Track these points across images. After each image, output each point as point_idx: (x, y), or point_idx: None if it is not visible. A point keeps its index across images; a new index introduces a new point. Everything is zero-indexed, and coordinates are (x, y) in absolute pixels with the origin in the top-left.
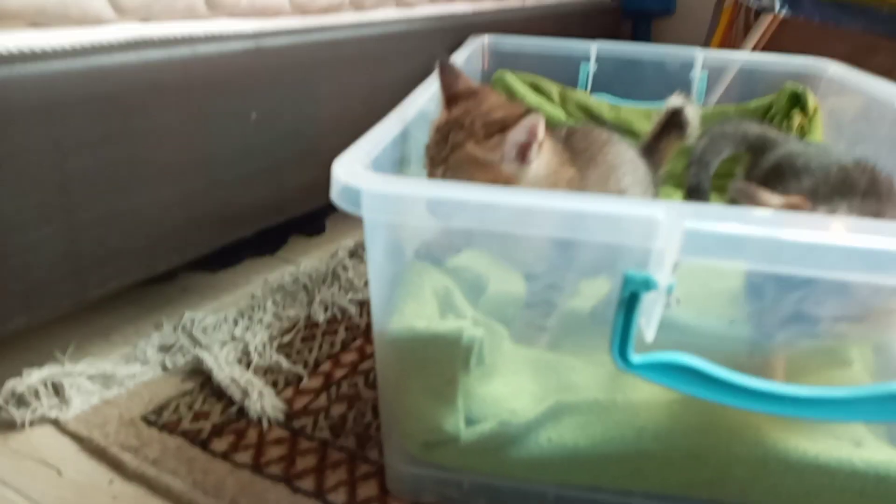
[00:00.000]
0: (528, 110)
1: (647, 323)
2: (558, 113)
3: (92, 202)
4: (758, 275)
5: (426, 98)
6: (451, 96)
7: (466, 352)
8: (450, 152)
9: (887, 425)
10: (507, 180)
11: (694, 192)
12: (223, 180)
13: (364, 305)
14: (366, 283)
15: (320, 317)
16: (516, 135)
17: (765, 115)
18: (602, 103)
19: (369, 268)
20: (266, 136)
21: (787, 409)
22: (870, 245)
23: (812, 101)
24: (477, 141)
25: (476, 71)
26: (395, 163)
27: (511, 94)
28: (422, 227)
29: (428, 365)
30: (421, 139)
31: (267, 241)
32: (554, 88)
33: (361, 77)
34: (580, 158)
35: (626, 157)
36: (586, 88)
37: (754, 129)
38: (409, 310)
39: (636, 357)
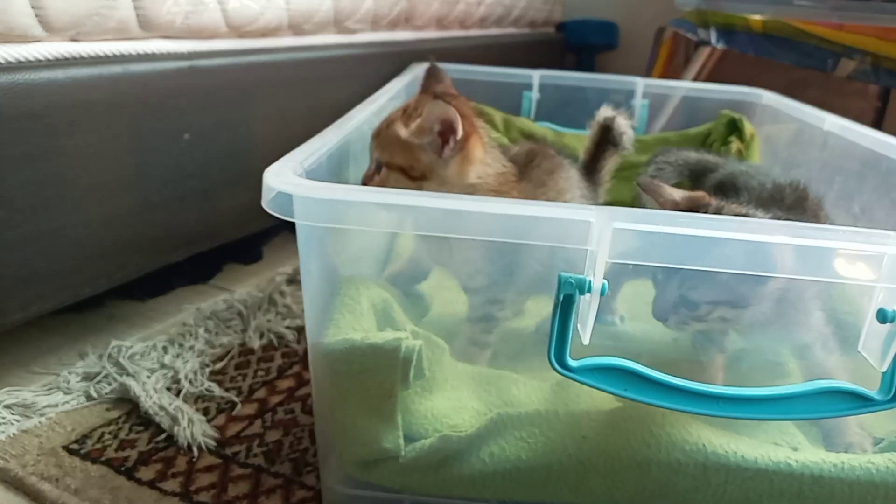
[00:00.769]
0: (446, 95)
1: (584, 326)
2: (502, 139)
3: (13, 221)
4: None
5: (367, 113)
6: (425, 93)
7: (405, 364)
8: (385, 128)
9: (822, 433)
10: (423, 171)
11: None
12: (153, 202)
13: (302, 332)
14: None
15: (255, 343)
16: (428, 119)
17: (704, 141)
18: (546, 130)
19: (303, 279)
20: (199, 157)
21: (722, 409)
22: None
23: (748, 127)
24: (405, 121)
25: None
26: (332, 174)
27: None
28: (357, 232)
29: (365, 378)
30: (361, 154)
31: (200, 269)
32: (497, 115)
33: (300, 99)
34: (530, 178)
35: (574, 184)
36: (530, 116)
37: (693, 155)
38: (344, 322)
39: (573, 362)
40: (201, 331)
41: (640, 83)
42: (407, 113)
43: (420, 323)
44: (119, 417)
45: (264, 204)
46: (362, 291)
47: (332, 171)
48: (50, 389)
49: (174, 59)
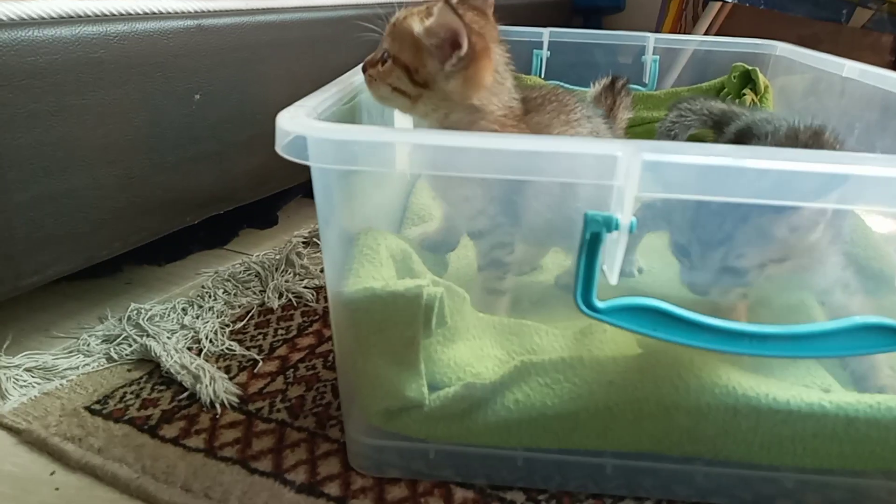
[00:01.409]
0: (479, 29)
1: (611, 266)
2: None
3: (25, 183)
4: (681, 236)
5: None
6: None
7: (427, 311)
8: (402, 20)
9: (853, 378)
10: (426, 78)
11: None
12: (166, 163)
13: (320, 291)
14: (322, 270)
15: (275, 303)
16: (434, 23)
17: (717, 95)
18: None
19: (321, 228)
20: (211, 118)
21: (755, 347)
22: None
23: (762, 79)
24: (422, 18)
25: None
26: (345, 122)
27: None
28: (373, 183)
29: (387, 327)
30: (374, 107)
31: (216, 234)
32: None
33: (310, 60)
34: (537, 119)
35: (595, 130)
36: (540, 75)
37: (718, 105)
38: (364, 272)
39: (600, 303)
40: (220, 292)
41: (650, 39)
42: (428, 10)
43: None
44: (141, 378)
45: (278, 148)
46: (380, 242)
47: (345, 119)
48: (70, 352)
49: (181, 18)
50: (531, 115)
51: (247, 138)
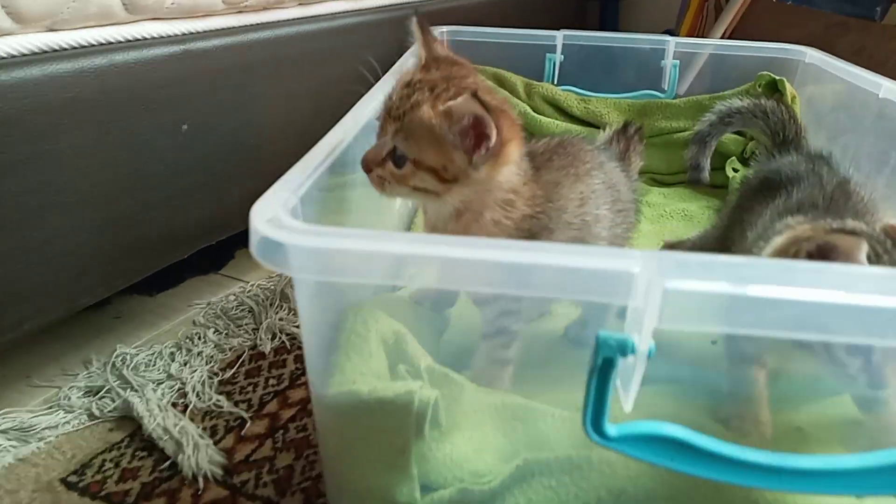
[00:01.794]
0: (483, 95)
1: (626, 390)
2: (524, 107)
3: None
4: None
5: (368, 111)
6: (434, 58)
7: (419, 418)
8: (409, 110)
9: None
10: (456, 173)
11: (693, 171)
12: (153, 201)
13: None
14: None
15: (267, 346)
16: (458, 111)
17: None
18: (570, 95)
19: (302, 324)
20: (201, 148)
21: (792, 483)
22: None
23: (790, 90)
24: (436, 105)
25: None
26: (333, 197)
27: None
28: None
29: (375, 434)
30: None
31: (211, 259)
32: (518, 82)
33: (308, 75)
34: (545, 177)
35: (608, 180)
36: (553, 80)
37: (777, 110)
38: (351, 368)
39: (612, 427)
40: (210, 332)
41: (670, 43)
42: (435, 93)
43: (439, 341)
44: (122, 441)
45: (252, 251)
46: (371, 325)
47: (333, 192)
48: (51, 407)
49: (166, 44)
50: (540, 173)
51: (241, 165)
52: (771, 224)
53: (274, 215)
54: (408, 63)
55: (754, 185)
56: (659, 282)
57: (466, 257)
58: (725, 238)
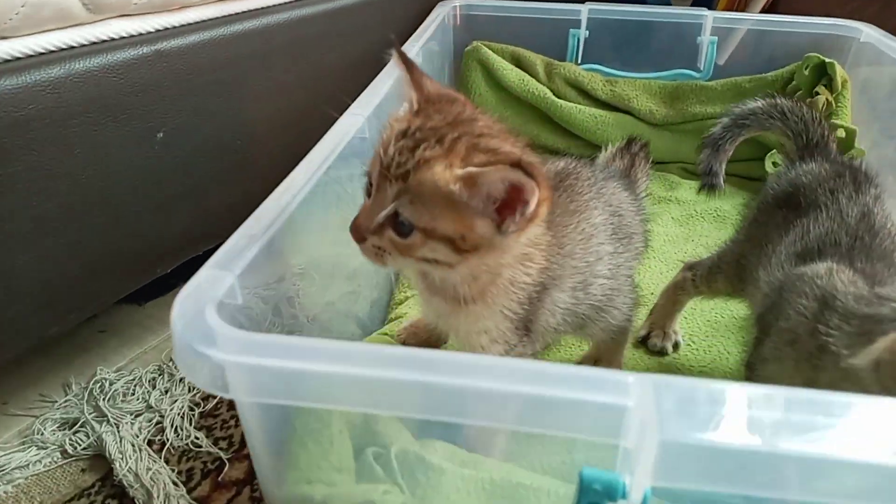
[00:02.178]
0: (527, 159)
1: None
2: (544, 90)
3: None
4: None
5: (332, 154)
6: (428, 99)
7: None
8: (415, 167)
9: None
10: (477, 243)
11: (706, 177)
12: (126, 216)
13: None
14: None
15: None
16: (492, 179)
17: (784, 88)
18: (595, 76)
19: (242, 412)
20: (179, 155)
21: None
22: None
23: (840, 74)
24: (453, 164)
25: (446, 44)
26: (287, 257)
27: (487, 71)
28: None
29: None
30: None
31: (202, 263)
32: (539, 61)
33: (303, 64)
34: (559, 215)
35: (609, 206)
36: (576, 59)
37: (799, 111)
38: (307, 460)
39: None
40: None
41: (708, 17)
42: (447, 147)
43: None
44: (92, 486)
45: (176, 357)
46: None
47: (289, 251)
48: (24, 442)
49: (135, 45)
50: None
51: (227, 169)
52: (786, 264)
53: (198, 312)
54: (382, 88)
55: (770, 202)
56: (653, 438)
57: (464, 386)
58: (741, 257)
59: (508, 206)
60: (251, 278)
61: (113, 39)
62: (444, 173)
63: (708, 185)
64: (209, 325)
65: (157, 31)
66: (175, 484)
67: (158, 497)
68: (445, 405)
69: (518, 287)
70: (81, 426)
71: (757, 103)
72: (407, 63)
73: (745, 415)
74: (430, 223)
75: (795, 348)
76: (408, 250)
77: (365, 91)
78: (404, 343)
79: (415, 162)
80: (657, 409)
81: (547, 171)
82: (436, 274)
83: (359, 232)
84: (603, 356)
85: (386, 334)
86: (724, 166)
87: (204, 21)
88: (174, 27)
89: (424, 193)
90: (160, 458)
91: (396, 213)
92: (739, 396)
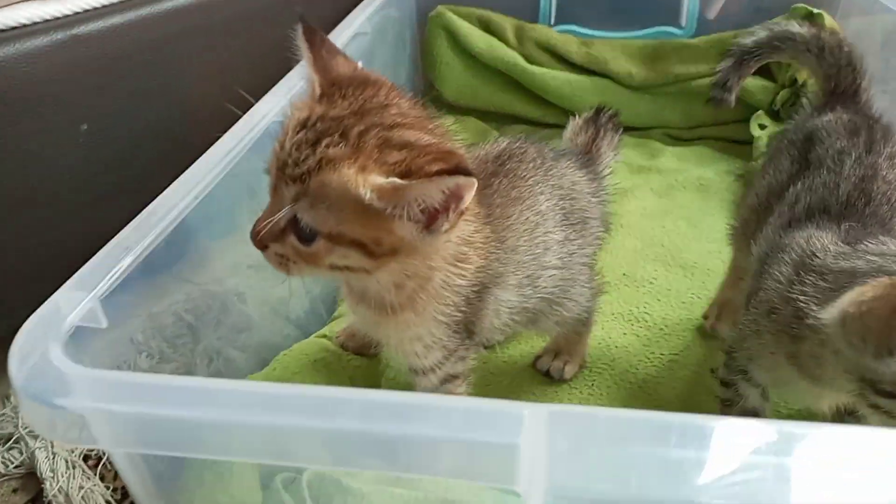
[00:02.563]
0: (458, 153)
1: None
2: (514, 56)
3: None
4: None
5: (241, 144)
6: (333, 82)
7: None
8: (316, 168)
9: None
10: (394, 245)
11: (718, 90)
12: (54, 217)
13: (265, 354)
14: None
15: (204, 370)
16: (427, 191)
17: None
18: (569, 38)
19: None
20: (109, 147)
21: None
22: None
23: (830, 25)
24: (365, 166)
25: (407, 10)
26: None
27: (453, 38)
28: None
29: None
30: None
31: None
32: (508, 25)
33: (247, 40)
34: (499, 206)
35: (557, 190)
36: (549, 21)
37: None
38: (202, 497)
39: None
40: (143, 356)
41: None
42: (352, 142)
43: None
44: None
45: (22, 412)
46: None
47: (185, 259)
48: None
49: (46, 32)
50: (485, 206)
51: (166, 159)
52: (776, 234)
53: (44, 352)
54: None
55: (783, 150)
56: (545, 467)
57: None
58: (746, 222)
59: (443, 210)
60: (125, 297)
61: (24, 25)
62: (354, 178)
63: (717, 99)
64: (56, 367)
65: (76, 13)
66: (108, 502)
67: None
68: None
69: (452, 291)
70: (15, 442)
71: (801, 29)
72: (311, 38)
73: (650, 453)
74: (336, 228)
75: (773, 319)
76: (314, 258)
77: (294, 68)
78: (343, 346)
79: (315, 161)
80: (549, 448)
81: (486, 154)
82: (352, 283)
83: (258, 239)
84: (563, 348)
85: (325, 336)
86: (739, 84)
87: (128, 0)
88: (94, 8)
89: (328, 196)
90: (95, 474)
91: (297, 218)
92: (641, 427)
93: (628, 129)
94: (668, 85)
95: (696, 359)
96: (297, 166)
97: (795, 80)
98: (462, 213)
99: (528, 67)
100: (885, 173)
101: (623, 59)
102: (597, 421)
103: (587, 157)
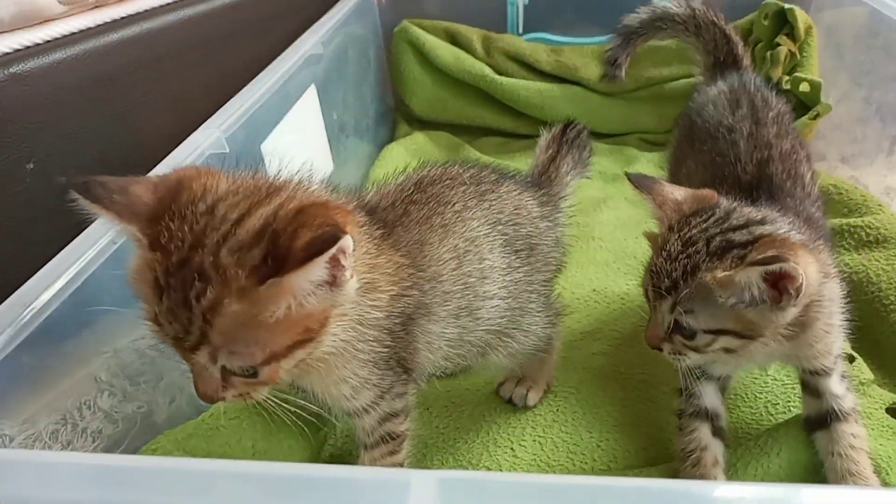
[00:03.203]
0: (312, 210)
1: None
2: (482, 68)
3: None
4: None
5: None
6: (150, 217)
7: None
8: (207, 315)
9: None
10: (321, 322)
11: (610, 68)
12: (4, 259)
13: None
14: None
15: (163, 413)
16: (310, 275)
17: (744, 41)
18: (538, 47)
19: None
20: (58, 185)
21: None
22: None
23: (803, 20)
24: (242, 289)
25: (371, 26)
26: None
27: (419, 52)
28: None
29: None
30: None
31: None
32: (475, 36)
33: (198, 69)
34: (406, 227)
35: (495, 214)
36: (517, 30)
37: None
38: None
39: None
40: (105, 396)
41: None
42: (223, 279)
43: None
44: None
45: None
46: None
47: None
48: None
49: None
50: (395, 233)
51: None
52: None
53: None
54: (252, 95)
55: (681, 131)
56: None
57: None
58: None
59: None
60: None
61: None
62: (245, 310)
63: (611, 76)
64: None
65: (16, 50)
66: None
67: None
68: None
69: (368, 325)
70: None
71: (679, 9)
72: (92, 194)
73: None
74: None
75: None
76: (258, 388)
77: (233, 99)
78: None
79: (202, 320)
80: None
81: (405, 181)
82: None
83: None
84: (527, 374)
85: None
86: (628, 60)
87: (72, 34)
88: (35, 45)
89: (235, 333)
90: None
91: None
92: (535, 493)
93: (602, 137)
94: (640, 89)
95: (669, 378)
96: (187, 329)
97: (769, 80)
98: (352, 257)
99: (496, 78)
100: (774, 147)
101: (594, 65)
102: (487, 486)
103: (543, 178)
